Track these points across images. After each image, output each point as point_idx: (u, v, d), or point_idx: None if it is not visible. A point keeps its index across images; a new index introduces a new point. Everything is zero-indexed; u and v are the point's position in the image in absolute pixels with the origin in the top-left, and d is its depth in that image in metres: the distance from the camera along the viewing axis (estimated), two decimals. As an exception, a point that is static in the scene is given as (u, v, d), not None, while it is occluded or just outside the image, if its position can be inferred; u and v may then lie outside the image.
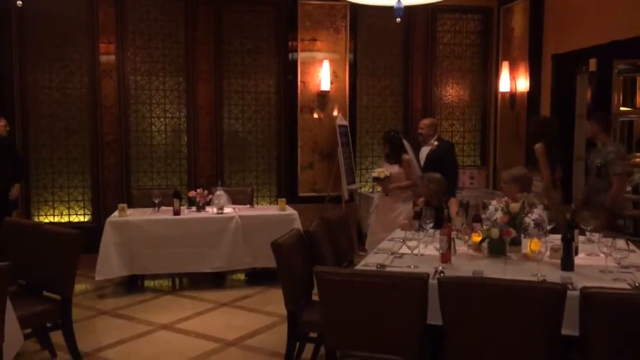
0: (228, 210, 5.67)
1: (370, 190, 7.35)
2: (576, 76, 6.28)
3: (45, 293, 3.77)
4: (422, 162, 5.87)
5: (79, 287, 5.07)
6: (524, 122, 6.88)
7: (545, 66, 6.59)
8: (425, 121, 6.21)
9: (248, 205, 6.06)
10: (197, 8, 7.10)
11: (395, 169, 5.35)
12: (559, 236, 3.25)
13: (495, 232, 3.42)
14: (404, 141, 5.49)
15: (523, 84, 6.95)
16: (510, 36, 7.25)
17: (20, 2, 4.00)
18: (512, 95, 7.19)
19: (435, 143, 5.98)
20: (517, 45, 7.10)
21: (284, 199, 5.94)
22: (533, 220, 3.66)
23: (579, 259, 3.31)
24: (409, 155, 5.45)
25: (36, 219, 6.86)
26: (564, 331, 2.50)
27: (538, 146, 5.06)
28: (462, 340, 2.59)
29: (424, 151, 5.99)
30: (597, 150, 4.82)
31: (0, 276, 2.78)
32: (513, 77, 7.16)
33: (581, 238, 3.65)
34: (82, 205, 7.04)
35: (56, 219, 6.94)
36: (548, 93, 6.54)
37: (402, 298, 2.62)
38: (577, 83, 6.27)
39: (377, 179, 5.37)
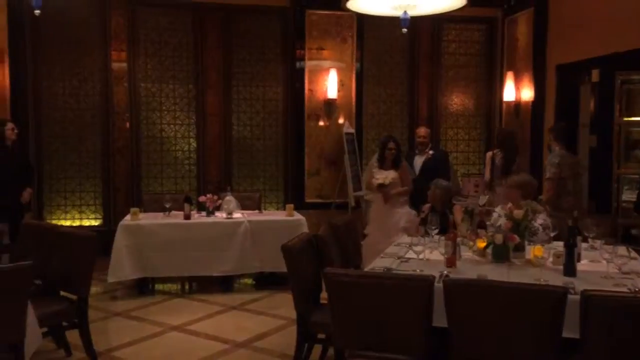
0: (237, 215, 5.79)
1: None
2: (579, 86, 6.39)
3: (62, 293, 3.89)
4: (416, 170, 5.98)
5: (92, 289, 5.13)
6: (528, 131, 6.99)
7: (549, 76, 6.70)
8: (425, 130, 6.31)
9: (256, 211, 6.17)
10: (206, 17, 7.26)
11: (391, 174, 5.36)
12: (562, 243, 3.34)
13: (499, 238, 3.50)
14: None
15: (527, 94, 7.06)
16: (515, 46, 7.37)
17: (38, 11, 4.14)
18: (517, 105, 7.30)
19: (431, 152, 6.09)
20: (522, 55, 7.22)
21: (292, 205, 6.05)
22: (540, 224, 3.74)
23: (582, 265, 3.39)
24: (405, 162, 5.59)
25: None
26: (566, 334, 2.59)
27: (487, 153, 5.94)
28: (466, 341, 2.69)
29: (419, 160, 6.08)
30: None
31: (22, 275, 2.90)
32: (517, 87, 7.27)
33: (584, 245, 3.74)
34: (93, 209, 7.17)
35: (68, 223, 7.06)
36: (552, 102, 6.65)
37: (408, 299, 2.72)
38: (580, 93, 6.38)
39: (382, 185, 5.36)
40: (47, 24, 6.77)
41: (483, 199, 5.62)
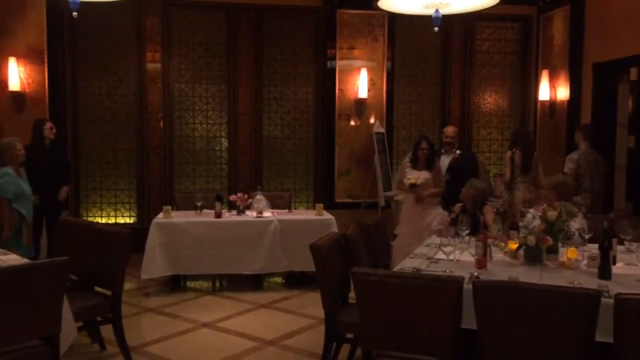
0: (267, 214, 5.83)
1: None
2: (617, 85, 6.22)
3: (96, 288, 3.98)
4: (443, 170, 5.89)
5: (125, 285, 5.24)
6: (564, 131, 6.84)
7: (585, 75, 6.54)
8: (453, 130, 6.20)
9: (286, 210, 6.20)
10: (238, 17, 7.33)
11: (424, 174, 5.24)
12: (597, 245, 3.26)
13: (531, 240, 3.44)
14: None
15: (563, 93, 6.91)
16: (550, 44, 7.22)
17: (76, 14, 4.25)
18: (552, 104, 7.15)
19: (458, 152, 6.01)
20: (557, 53, 7.07)
21: (322, 204, 6.06)
22: (577, 229, 3.66)
23: (617, 268, 3.31)
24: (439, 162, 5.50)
25: (84, 220, 7.17)
26: (600, 338, 2.53)
27: (507, 153, 5.87)
28: (496, 343, 2.65)
29: (445, 160, 5.99)
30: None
31: (59, 270, 2.98)
32: (553, 86, 7.12)
33: (620, 248, 3.64)
34: (127, 207, 7.33)
35: (104, 220, 7.24)
36: (589, 102, 6.49)
37: (437, 300, 2.70)
38: (618, 92, 6.21)
39: (414, 185, 5.23)
40: (84, 25, 6.94)
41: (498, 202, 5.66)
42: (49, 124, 5.88)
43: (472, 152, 6.45)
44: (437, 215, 5.26)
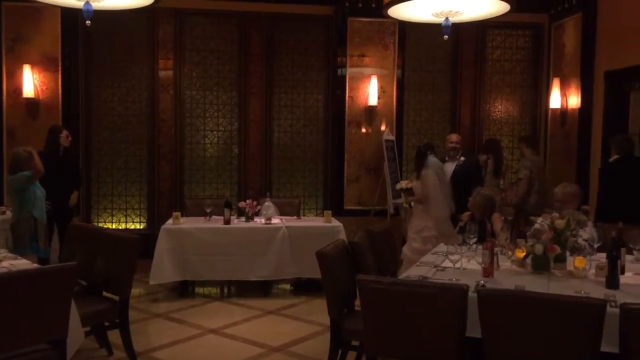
0: (276, 220, 5.85)
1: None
2: (629, 93, 6.17)
3: (104, 294, 4.02)
4: (447, 178, 5.92)
5: (134, 290, 5.27)
6: (575, 139, 6.80)
7: (597, 83, 6.50)
8: (457, 136, 6.36)
9: (295, 217, 6.22)
10: (250, 25, 7.39)
11: (413, 182, 5.68)
12: (605, 254, 3.23)
13: (539, 248, 3.42)
14: (430, 157, 5.54)
15: (574, 101, 6.86)
16: (562, 52, 7.19)
17: (89, 22, 4.32)
18: (563, 112, 7.10)
19: (462, 159, 6.02)
20: (569, 61, 7.03)
21: (330, 211, 6.07)
22: (585, 240, 3.63)
23: (626, 278, 3.27)
24: (426, 171, 5.47)
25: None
26: (606, 348, 2.51)
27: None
28: (501, 352, 2.63)
29: (449, 166, 6.03)
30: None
31: (67, 275, 3.02)
32: (564, 94, 7.08)
33: (629, 257, 3.61)
34: (138, 213, 7.39)
35: (114, 226, 7.30)
36: (600, 110, 6.44)
37: (442, 308, 2.69)
38: (630, 100, 6.16)
39: (401, 189, 5.79)
40: (98, 33, 7.05)
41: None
42: (65, 132, 5.94)
43: (476, 159, 6.44)
44: (413, 224, 5.50)
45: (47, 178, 5.21)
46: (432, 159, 5.53)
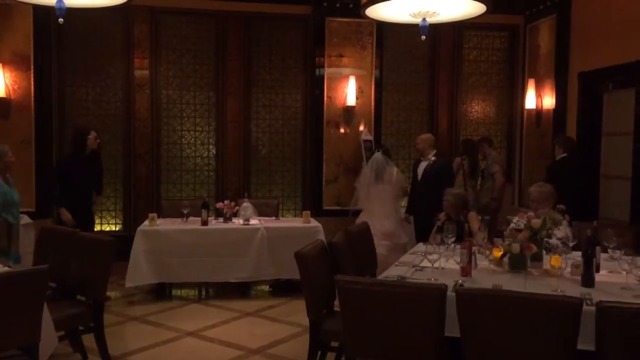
0: (254, 221, 5.80)
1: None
2: (603, 94, 6.27)
3: (79, 297, 3.93)
4: (419, 177, 5.99)
5: (109, 293, 5.25)
6: (550, 139, 6.88)
7: (571, 84, 6.60)
8: (422, 136, 6.31)
9: (274, 217, 6.18)
10: (227, 25, 7.33)
11: None
12: (580, 253, 3.27)
13: (516, 248, 3.45)
14: (376, 153, 6.57)
15: (549, 102, 6.96)
16: (537, 53, 7.28)
17: (62, 20, 4.22)
18: (538, 113, 7.20)
19: (433, 158, 6.05)
20: (543, 62, 7.12)
21: (309, 212, 6.05)
22: (559, 239, 3.67)
23: (601, 276, 3.32)
24: (366, 169, 6.59)
25: (70, 227, 7.09)
26: (582, 346, 2.53)
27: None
28: (479, 351, 2.64)
29: (422, 166, 6.06)
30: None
31: (39, 278, 2.95)
32: (539, 94, 7.17)
33: (604, 255, 3.66)
34: (113, 214, 7.27)
35: (89, 228, 7.15)
36: (574, 110, 6.54)
37: (420, 308, 2.69)
38: (603, 101, 6.26)
39: None
40: (71, 31, 6.92)
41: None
42: (93, 133, 5.67)
43: (447, 160, 6.53)
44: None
45: (72, 182, 5.08)
46: (375, 156, 6.49)
